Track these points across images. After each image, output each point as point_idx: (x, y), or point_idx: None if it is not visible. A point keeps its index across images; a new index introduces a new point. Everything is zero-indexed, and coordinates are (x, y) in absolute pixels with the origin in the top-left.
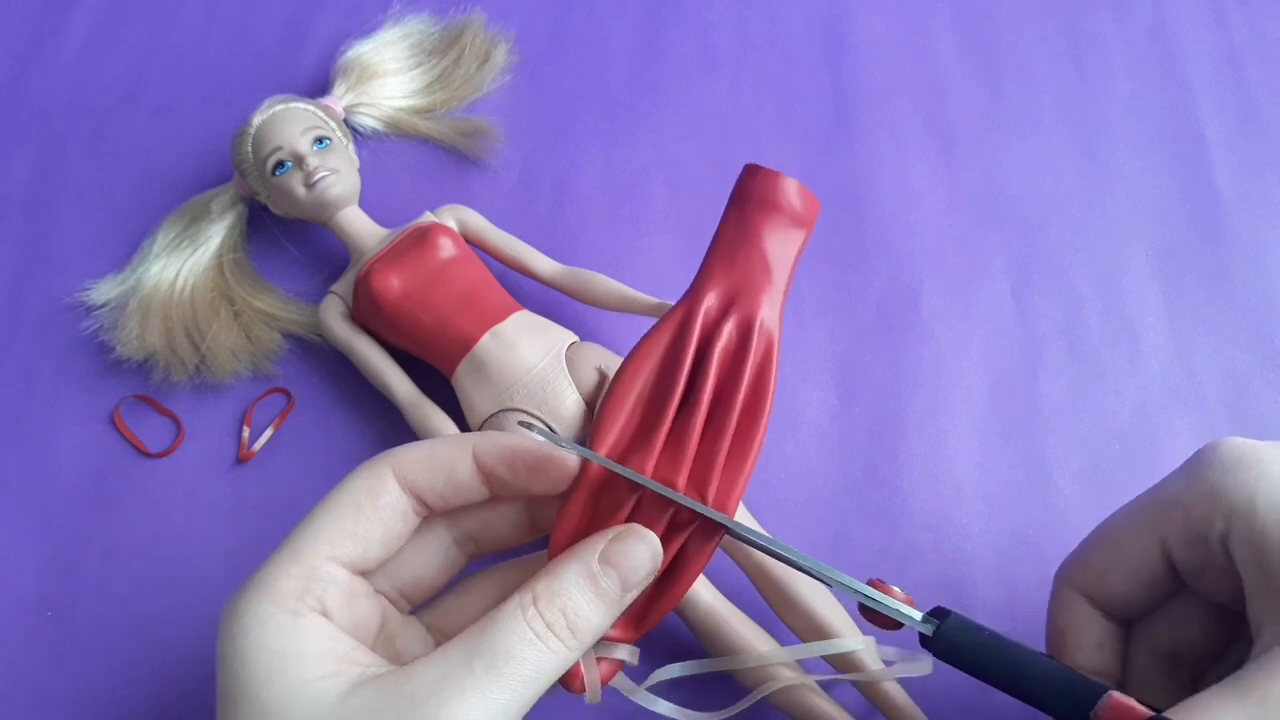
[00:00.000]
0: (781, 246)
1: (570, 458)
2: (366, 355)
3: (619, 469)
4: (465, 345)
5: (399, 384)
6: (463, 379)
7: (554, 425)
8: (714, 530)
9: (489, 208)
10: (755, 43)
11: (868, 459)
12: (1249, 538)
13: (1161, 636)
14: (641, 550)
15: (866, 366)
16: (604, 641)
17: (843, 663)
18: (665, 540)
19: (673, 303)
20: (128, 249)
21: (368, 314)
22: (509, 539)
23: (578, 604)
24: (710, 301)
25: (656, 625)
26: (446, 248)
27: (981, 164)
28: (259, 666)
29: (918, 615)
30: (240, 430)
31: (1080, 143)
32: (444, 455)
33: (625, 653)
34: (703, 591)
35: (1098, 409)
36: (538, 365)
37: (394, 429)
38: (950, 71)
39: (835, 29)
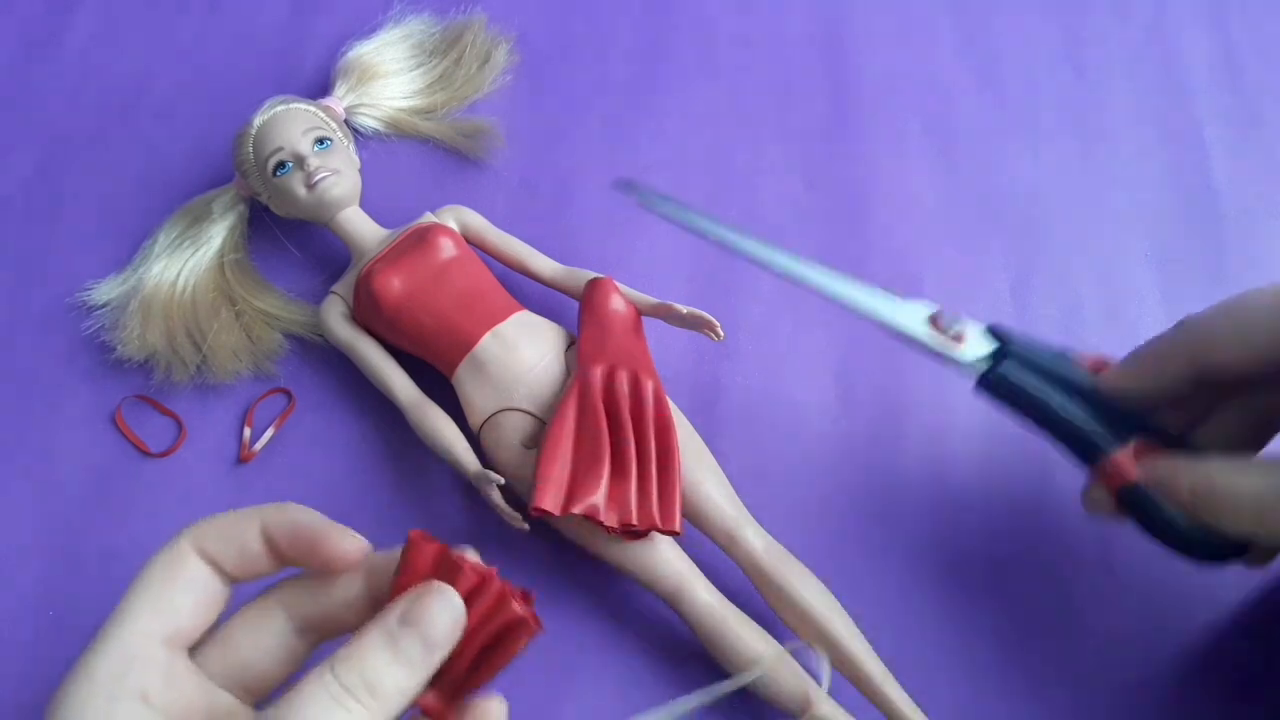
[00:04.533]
0: (628, 323)
1: (346, 544)
2: (367, 355)
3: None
4: (466, 345)
5: (400, 384)
6: (463, 379)
7: None
8: (527, 628)
9: (489, 208)
10: (755, 43)
11: (868, 459)
12: None
13: (1255, 404)
14: (439, 608)
15: (866, 366)
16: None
17: (844, 665)
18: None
19: (674, 302)
20: (129, 249)
21: (368, 314)
22: (351, 622)
23: (375, 665)
24: (597, 373)
25: (475, 692)
26: (447, 248)
27: (981, 164)
28: None
29: (982, 349)
30: (241, 430)
31: (1080, 143)
32: (234, 526)
33: None
34: (701, 591)
35: None
36: (538, 365)
37: (394, 429)
38: (950, 71)
39: (835, 29)
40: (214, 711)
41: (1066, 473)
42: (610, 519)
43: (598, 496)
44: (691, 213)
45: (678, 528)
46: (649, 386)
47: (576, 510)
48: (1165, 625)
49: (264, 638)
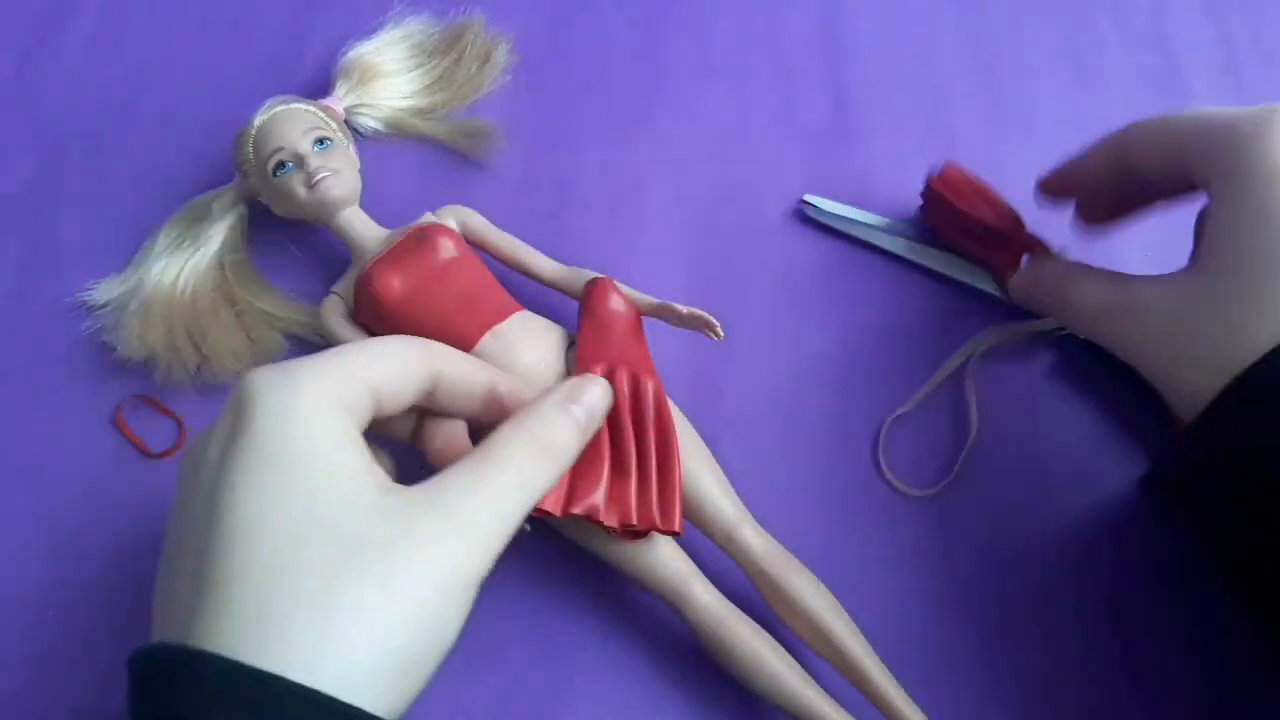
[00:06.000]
0: (627, 323)
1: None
2: None
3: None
4: (466, 345)
5: None
6: None
7: None
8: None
9: (489, 208)
10: (755, 43)
11: (869, 458)
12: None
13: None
14: (596, 390)
15: (866, 364)
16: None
17: (844, 664)
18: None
19: (674, 302)
20: (129, 249)
21: (368, 314)
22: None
23: (555, 426)
24: (597, 373)
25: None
26: (447, 248)
27: (981, 165)
28: (308, 442)
29: None
30: None
31: (1080, 143)
32: (466, 361)
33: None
34: (701, 591)
35: None
36: (538, 365)
37: None
38: (950, 73)
39: (835, 30)
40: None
41: (1073, 472)
42: (610, 519)
43: (597, 497)
44: (859, 221)
45: (678, 528)
46: (649, 387)
47: (576, 511)
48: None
49: (405, 424)
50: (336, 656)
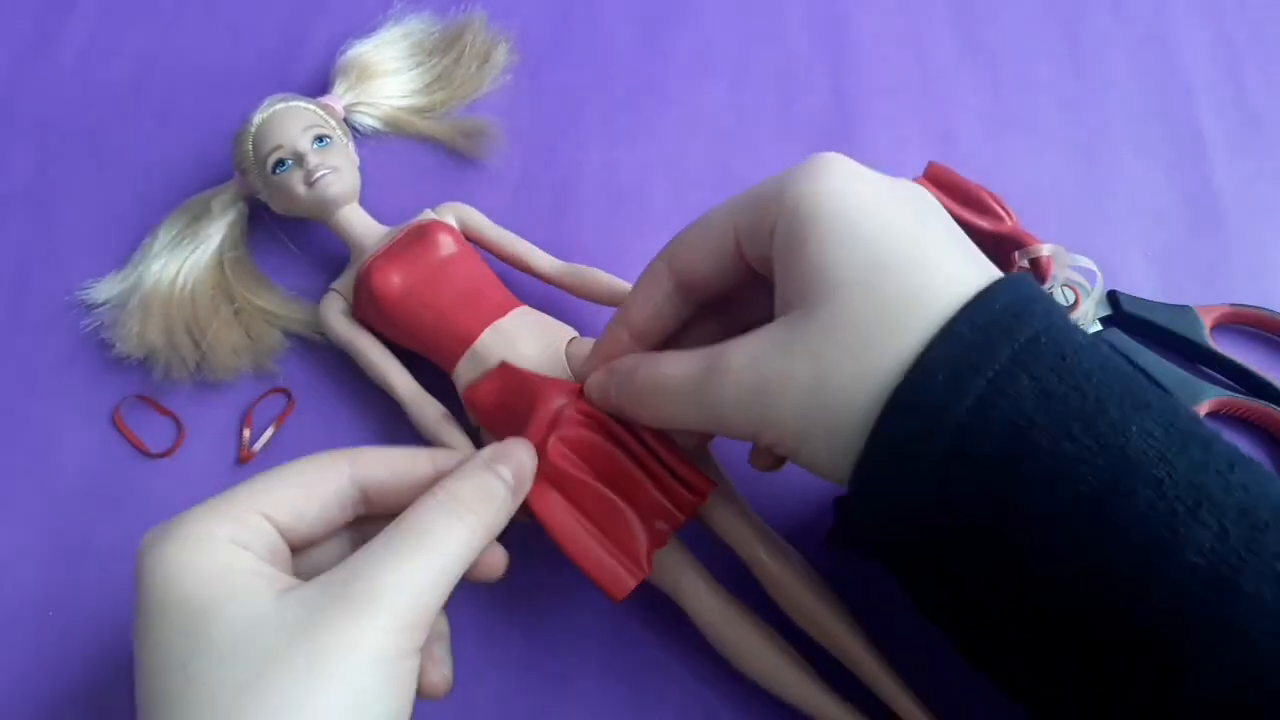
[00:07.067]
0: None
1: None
2: (367, 352)
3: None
4: (466, 341)
5: (400, 380)
6: (463, 375)
7: None
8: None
9: (489, 207)
10: (755, 43)
11: None
12: (783, 235)
13: (728, 317)
14: (522, 453)
15: None
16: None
17: (846, 658)
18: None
19: None
20: (128, 247)
21: (368, 311)
22: None
23: (481, 482)
24: (548, 436)
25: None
26: (447, 245)
27: (981, 165)
28: (191, 578)
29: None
30: (241, 431)
31: (1080, 143)
32: (403, 457)
33: None
34: (705, 586)
35: None
36: (537, 361)
37: (395, 428)
38: (950, 72)
39: (835, 29)
40: None
41: None
42: (665, 537)
43: (640, 538)
44: None
45: (710, 486)
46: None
47: (650, 568)
48: None
49: (340, 549)
50: None
